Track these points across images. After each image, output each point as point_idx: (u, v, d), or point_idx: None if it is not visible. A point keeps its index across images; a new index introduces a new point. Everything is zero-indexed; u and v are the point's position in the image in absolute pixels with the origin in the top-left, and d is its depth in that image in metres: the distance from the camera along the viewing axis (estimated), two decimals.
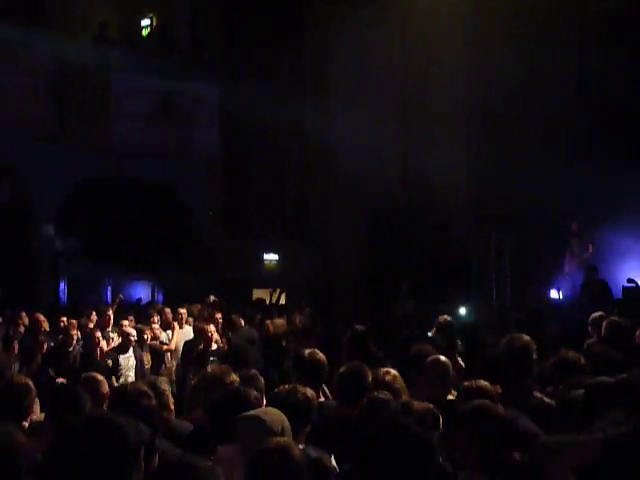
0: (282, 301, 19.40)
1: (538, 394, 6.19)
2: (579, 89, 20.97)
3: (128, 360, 12.20)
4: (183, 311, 14.84)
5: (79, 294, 20.17)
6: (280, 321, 15.45)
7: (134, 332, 12.63)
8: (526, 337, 6.52)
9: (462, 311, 17.89)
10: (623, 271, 18.91)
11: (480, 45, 22.54)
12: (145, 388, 5.47)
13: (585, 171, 19.59)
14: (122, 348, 12.27)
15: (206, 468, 3.59)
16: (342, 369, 6.56)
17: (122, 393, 5.53)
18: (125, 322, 14.06)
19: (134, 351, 12.35)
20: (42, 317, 13.67)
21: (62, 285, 20.47)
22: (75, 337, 12.55)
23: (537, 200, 21.11)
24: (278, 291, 20.43)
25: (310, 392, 5.59)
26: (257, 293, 21.73)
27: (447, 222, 22.64)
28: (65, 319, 13.46)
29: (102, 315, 13.79)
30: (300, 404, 5.42)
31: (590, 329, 9.73)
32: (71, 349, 12.34)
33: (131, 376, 11.84)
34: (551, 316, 15.78)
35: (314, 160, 24.21)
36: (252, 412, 4.81)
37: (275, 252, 23.11)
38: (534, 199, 20.99)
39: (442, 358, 6.86)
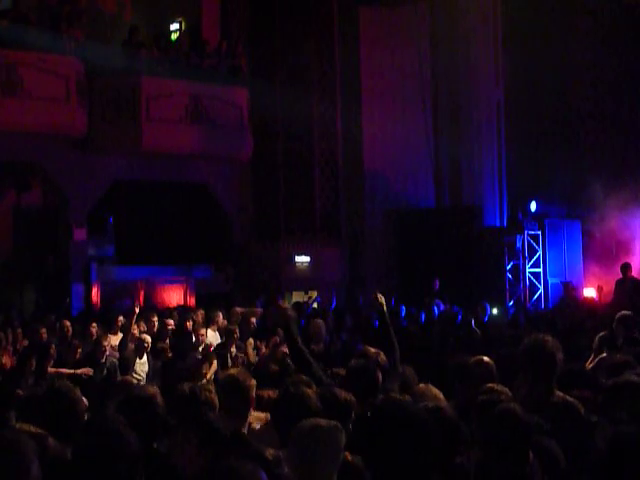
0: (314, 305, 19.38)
1: (560, 393, 6.07)
2: (606, 83, 20.86)
3: (143, 365, 12.15)
4: (218, 314, 14.76)
5: (112, 298, 20.22)
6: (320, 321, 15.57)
7: (149, 339, 12.52)
8: (549, 337, 6.42)
9: (495, 311, 17.70)
10: None
11: (507, 42, 22.51)
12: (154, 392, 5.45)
13: (615, 168, 19.51)
14: (137, 354, 12.20)
15: (250, 471, 3.52)
16: (351, 363, 6.43)
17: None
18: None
19: (148, 358, 12.29)
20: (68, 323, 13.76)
21: (95, 289, 20.53)
22: (107, 349, 12.24)
23: (568, 197, 21.04)
24: (310, 294, 20.46)
25: (351, 397, 5.53)
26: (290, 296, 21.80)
27: (478, 221, 22.54)
28: (95, 328, 13.46)
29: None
30: (341, 406, 5.39)
31: (615, 326, 9.54)
32: (103, 360, 12.03)
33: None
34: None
35: (343, 161, 24.18)
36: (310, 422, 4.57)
37: (306, 254, 23.07)
38: (566, 197, 20.92)
39: (485, 359, 6.69)
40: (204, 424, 4.85)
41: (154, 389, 5.58)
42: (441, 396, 6.22)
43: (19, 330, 13.86)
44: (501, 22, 22.81)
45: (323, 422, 4.55)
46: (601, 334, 8.93)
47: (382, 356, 6.87)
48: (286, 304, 7.57)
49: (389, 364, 7.04)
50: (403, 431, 3.94)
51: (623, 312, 9.90)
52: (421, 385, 6.36)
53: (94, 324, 13.67)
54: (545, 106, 21.39)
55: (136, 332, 12.99)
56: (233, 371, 6.40)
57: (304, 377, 6.35)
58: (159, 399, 5.35)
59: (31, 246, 20.34)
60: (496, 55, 23.07)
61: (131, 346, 12.52)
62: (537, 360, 6.13)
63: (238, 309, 15.24)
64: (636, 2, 20.31)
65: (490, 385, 5.79)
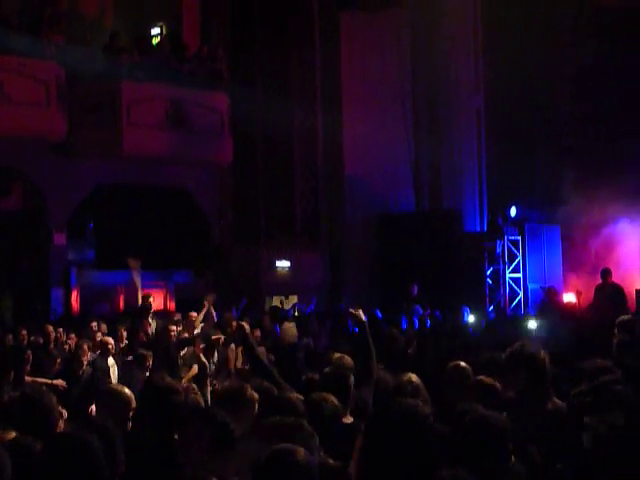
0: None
1: (557, 400, 6.07)
2: (586, 88, 20.98)
3: (112, 368, 12.10)
4: (194, 315, 14.87)
5: (92, 303, 20.16)
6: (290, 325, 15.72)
7: (111, 340, 12.50)
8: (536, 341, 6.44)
9: (471, 319, 17.56)
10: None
11: (487, 48, 22.63)
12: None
13: (594, 173, 19.59)
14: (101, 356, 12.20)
15: None
16: (326, 370, 6.45)
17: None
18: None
19: (115, 360, 12.25)
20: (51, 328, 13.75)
21: (74, 294, 20.45)
22: (85, 361, 12.14)
23: (548, 203, 21.12)
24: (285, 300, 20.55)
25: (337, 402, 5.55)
26: (270, 301, 21.81)
27: (458, 226, 22.61)
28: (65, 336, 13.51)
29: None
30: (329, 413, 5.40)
31: (617, 331, 9.46)
32: (81, 372, 11.99)
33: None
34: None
35: (324, 166, 24.20)
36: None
37: (286, 259, 23.08)
38: (546, 202, 20.99)
39: (462, 364, 6.69)
40: (218, 424, 4.83)
41: (173, 380, 5.57)
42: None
43: (10, 336, 13.69)
44: (481, 28, 22.91)
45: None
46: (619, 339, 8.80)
47: (346, 360, 6.88)
48: (243, 323, 7.55)
49: (365, 371, 7.06)
50: (407, 436, 3.90)
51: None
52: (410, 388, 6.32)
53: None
54: (525, 111, 21.48)
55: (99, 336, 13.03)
56: (235, 382, 6.40)
57: (265, 383, 6.36)
58: (179, 389, 5.35)
59: (10, 250, 20.23)
60: (476, 61, 23.18)
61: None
62: (529, 365, 6.11)
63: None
64: (614, 5, 20.44)
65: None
